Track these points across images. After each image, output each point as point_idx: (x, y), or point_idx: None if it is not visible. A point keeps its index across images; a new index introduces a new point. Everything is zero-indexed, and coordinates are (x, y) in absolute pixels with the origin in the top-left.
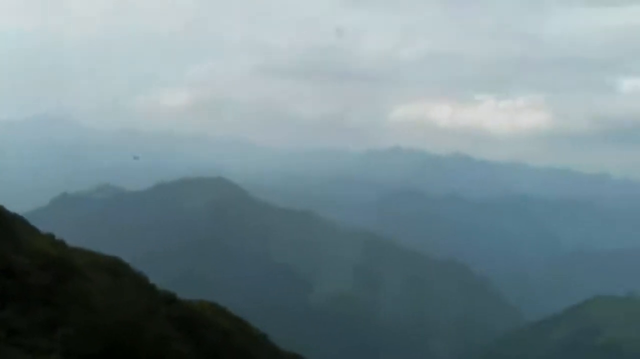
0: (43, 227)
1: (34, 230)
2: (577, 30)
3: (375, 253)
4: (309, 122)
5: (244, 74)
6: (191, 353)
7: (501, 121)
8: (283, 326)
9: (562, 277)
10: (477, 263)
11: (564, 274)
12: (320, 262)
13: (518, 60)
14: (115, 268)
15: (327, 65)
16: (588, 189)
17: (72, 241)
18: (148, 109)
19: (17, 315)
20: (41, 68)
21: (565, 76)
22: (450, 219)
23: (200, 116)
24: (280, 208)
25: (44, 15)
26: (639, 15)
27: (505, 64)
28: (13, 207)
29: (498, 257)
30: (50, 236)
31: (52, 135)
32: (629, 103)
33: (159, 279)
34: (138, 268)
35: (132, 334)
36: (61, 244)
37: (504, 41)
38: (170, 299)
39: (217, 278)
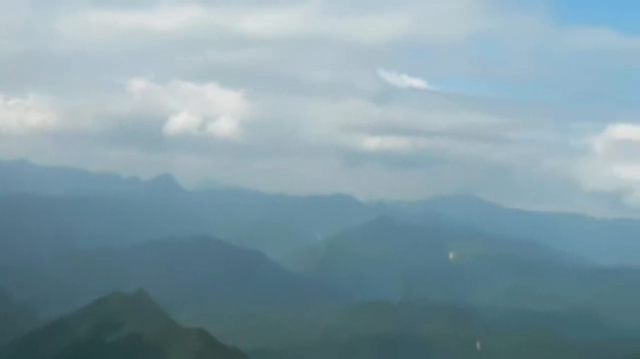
0: None
1: None
2: (89, 30)
3: None
4: None
5: None
6: None
7: (10, 119)
8: None
9: (78, 273)
10: None
11: (80, 270)
12: None
13: (28, 58)
14: None
15: None
16: (98, 187)
17: None
18: None
19: None
20: None
21: (76, 75)
22: None
23: None
24: None
25: None
26: (149, 19)
27: (15, 62)
28: None
29: (7, 257)
30: None
31: None
32: (135, 103)
33: None
34: None
35: None
36: None
37: (13, 39)
38: None
39: None
